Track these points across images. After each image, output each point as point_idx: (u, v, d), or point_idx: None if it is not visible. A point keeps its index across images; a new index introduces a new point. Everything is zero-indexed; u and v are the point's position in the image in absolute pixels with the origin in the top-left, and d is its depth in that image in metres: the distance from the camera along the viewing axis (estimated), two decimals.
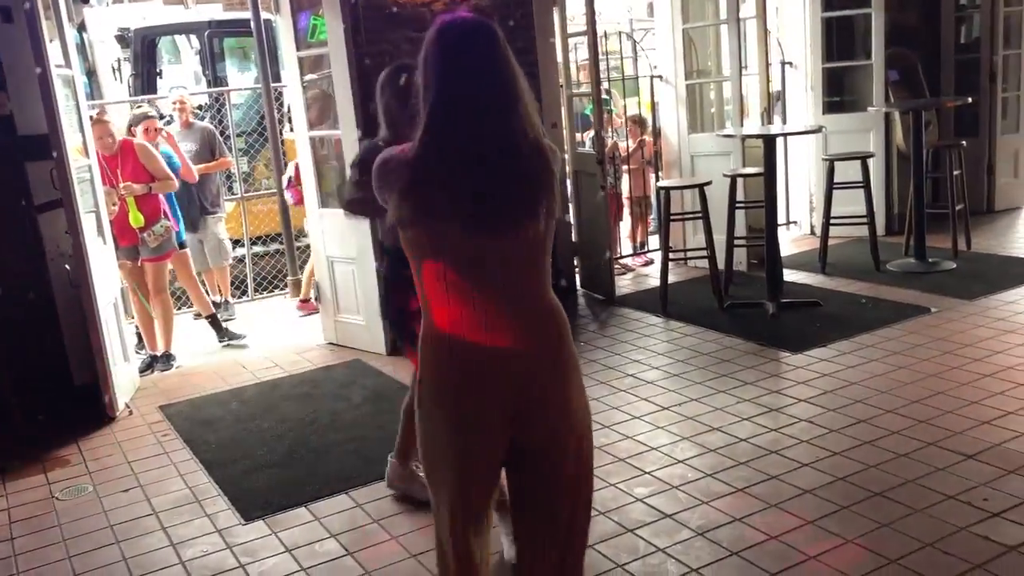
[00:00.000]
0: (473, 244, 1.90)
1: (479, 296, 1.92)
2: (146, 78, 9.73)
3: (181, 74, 11.08)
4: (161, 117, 8.75)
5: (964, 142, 6.87)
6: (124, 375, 5.12)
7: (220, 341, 6.18)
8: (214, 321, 6.23)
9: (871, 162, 6.46)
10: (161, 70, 10.22)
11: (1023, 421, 3.80)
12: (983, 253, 6.64)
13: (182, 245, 6.14)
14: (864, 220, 6.37)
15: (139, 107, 6.95)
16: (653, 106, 7.81)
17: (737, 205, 6.03)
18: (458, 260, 1.91)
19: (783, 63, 7.71)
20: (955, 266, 6.29)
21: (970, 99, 6.96)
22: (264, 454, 4.21)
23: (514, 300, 1.95)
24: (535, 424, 1.97)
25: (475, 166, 1.88)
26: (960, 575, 2.79)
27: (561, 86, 6.45)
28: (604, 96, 6.97)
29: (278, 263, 7.51)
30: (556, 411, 1.99)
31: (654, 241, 7.67)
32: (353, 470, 3.92)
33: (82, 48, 9.06)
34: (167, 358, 5.81)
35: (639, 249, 7.66)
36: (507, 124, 1.90)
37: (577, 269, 6.66)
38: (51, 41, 4.69)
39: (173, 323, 5.92)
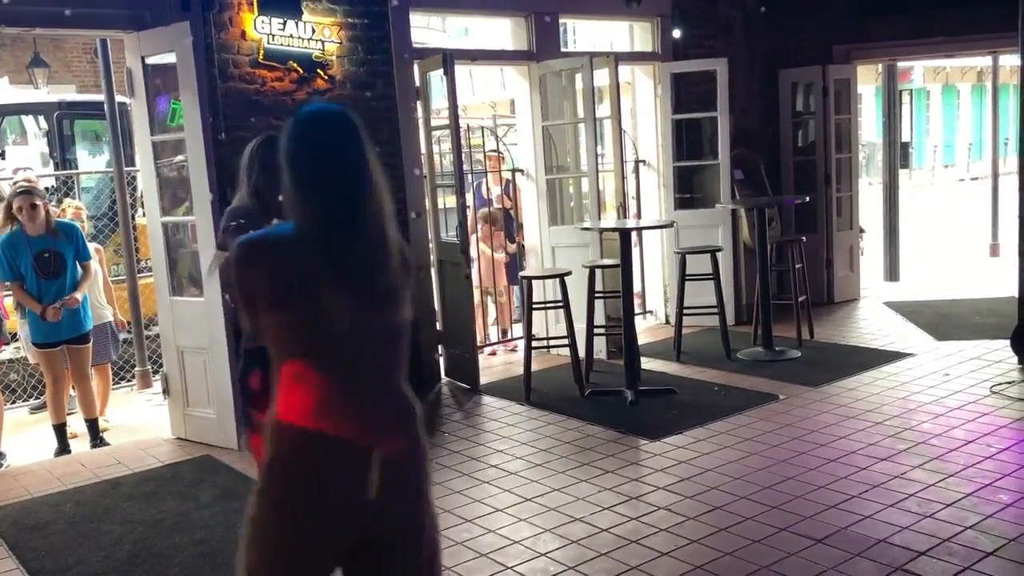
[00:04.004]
0: (330, 334, 1.87)
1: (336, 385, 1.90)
2: None
3: (26, 155, 10.58)
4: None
5: (804, 238, 7.34)
6: None
7: (92, 444, 5.65)
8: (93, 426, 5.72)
9: (720, 255, 6.78)
10: (3, 150, 9.74)
11: (866, 504, 3.97)
12: (825, 342, 7.02)
13: (85, 339, 5.66)
14: (715, 311, 6.64)
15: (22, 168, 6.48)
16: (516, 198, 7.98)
17: (596, 295, 6.18)
18: (315, 349, 1.88)
19: (637, 161, 8.07)
20: (800, 354, 6.61)
21: (807, 198, 7.46)
22: (101, 560, 3.90)
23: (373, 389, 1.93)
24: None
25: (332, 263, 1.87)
26: None
27: (425, 176, 6.52)
28: (494, 151, 7.95)
29: (125, 353, 7.12)
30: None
31: (518, 329, 7.71)
32: (199, 575, 3.68)
33: None
34: None
35: (503, 337, 7.69)
36: (356, 215, 1.89)
37: (441, 358, 6.63)
38: None
39: (3, 419, 5.49)
